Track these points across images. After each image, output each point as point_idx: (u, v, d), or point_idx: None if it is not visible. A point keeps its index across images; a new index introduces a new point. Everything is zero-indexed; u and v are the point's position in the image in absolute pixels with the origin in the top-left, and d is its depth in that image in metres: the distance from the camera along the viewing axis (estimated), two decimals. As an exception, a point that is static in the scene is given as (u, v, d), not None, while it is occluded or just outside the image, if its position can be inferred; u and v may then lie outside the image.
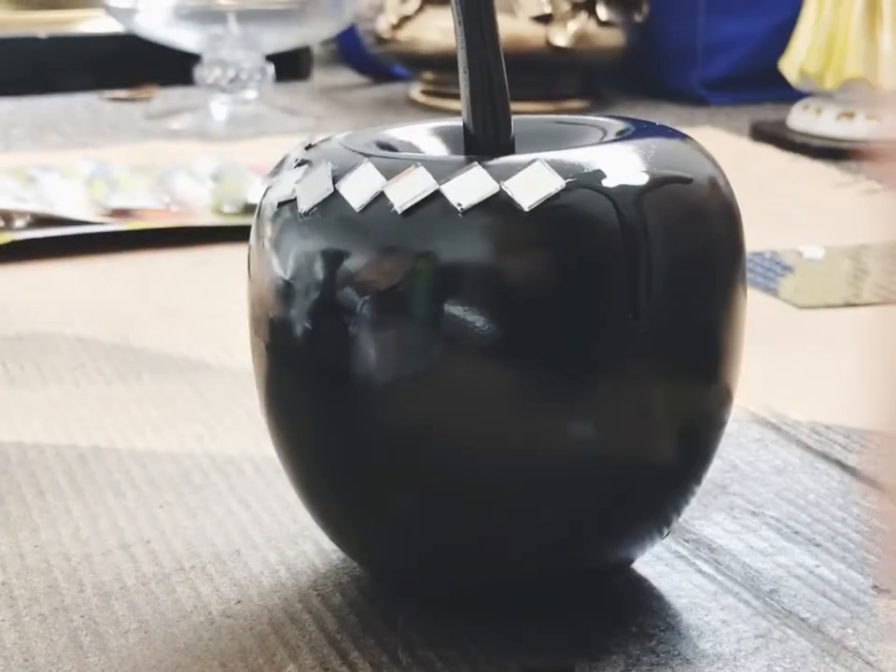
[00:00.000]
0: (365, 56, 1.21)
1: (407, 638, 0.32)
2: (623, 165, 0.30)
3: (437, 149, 0.34)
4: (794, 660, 0.31)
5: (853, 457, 0.42)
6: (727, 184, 0.32)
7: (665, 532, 0.33)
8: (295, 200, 0.31)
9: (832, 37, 0.89)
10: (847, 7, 0.88)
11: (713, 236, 0.31)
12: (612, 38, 1.05)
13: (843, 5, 0.88)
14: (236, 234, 0.66)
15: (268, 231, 0.31)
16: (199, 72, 1.04)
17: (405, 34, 1.08)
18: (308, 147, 0.32)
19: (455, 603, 0.33)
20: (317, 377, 0.30)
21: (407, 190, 0.29)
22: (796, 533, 0.37)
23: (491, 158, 0.30)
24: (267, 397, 0.32)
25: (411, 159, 0.31)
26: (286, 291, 0.30)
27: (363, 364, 0.29)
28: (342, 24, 1.07)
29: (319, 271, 0.30)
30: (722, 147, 0.78)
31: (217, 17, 1.02)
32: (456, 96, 0.32)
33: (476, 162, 0.29)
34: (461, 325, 0.29)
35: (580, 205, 0.29)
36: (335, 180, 0.30)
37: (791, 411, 0.46)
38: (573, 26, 1.04)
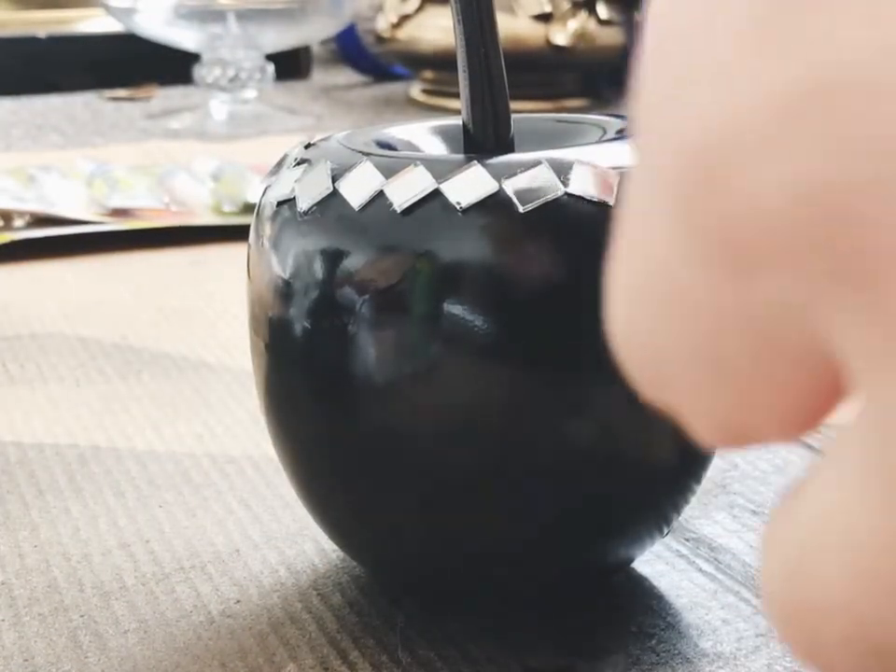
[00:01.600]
0: (365, 55, 1.21)
1: (407, 638, 0.32)
2: (623, 163, 0.30)
3: (436, 148, 0.34)
4: (794, 658, 0.31)
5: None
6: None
7: (665, 531, 0.33)
8: (294, 199, 0.31)
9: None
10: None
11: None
12: (613, 37, 1.05)
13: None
14: (236, 234, 0.66)
15: (267, 230, 0.31)
16: (198, 71, 1.04)
17: (405, 33, 1.08)
18: (307, 146, 0.32)
19: (456, 603, 0.33)
20: (316, 376, 0.30)
21: (406, 189, 0.29)
22: (797, 532, 0.37)
23: (490, 156, 0.30)
24: (266, 396, 0.32)
25: (410, 158, 0.31)
26: (285, 291, 0.30)
27: (362, 363, 0.29)
28: (341, 23, 1.07)
29: (318, 270, 0.30)
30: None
31: (216, 16, 1.02)
32: (457, 95, 0.32)
33: (475, 161, 0.29)
34: (461, 324, 0.29)
35: (579, 204, 0.29)
36: (334, 179, 0.30)
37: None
38: (573, 25, 1.04)
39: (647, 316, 0.15)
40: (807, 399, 0.14)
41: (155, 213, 0.71)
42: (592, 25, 1.04)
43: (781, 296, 0.13)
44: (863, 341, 0.12)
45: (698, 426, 0.15)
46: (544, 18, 1.04)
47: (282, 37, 1.05)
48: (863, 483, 0.12)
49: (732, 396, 0.14)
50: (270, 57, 1.05)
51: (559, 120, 0.35)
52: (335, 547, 0.35)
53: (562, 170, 0.29)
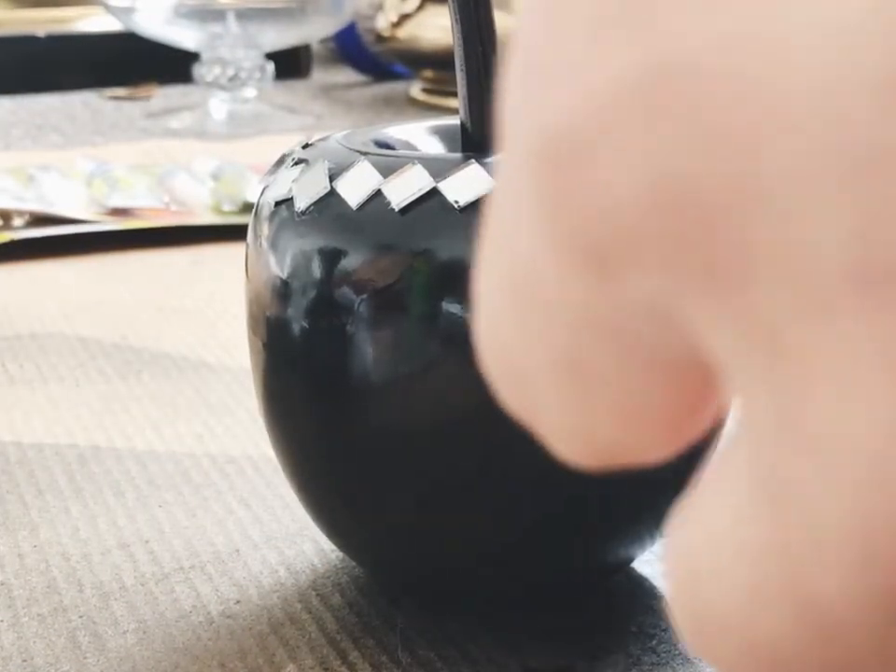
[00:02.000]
0: (365, 54, 1.21)
1: (407, 638, 0.32)
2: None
3: (435, 148, 0.34)
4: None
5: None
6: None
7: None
8: (292, 199, 0.31)
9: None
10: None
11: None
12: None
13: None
14: (236, 233, 0.66)
15: (265, 230, 0.31)
16: (198, 70, 1.04)
17: (405, 31, 1.08)
18: (305, 146, 0.32)
19: (455, 603, 0.33)
20: (315, 375, 0.30)
21: (404, 188, 0.29)
22: (797, 531, 0.37)
23: (489, 155, 0.30)
24: (265, 395, 0.32)
25: (408, 156, 0.30)
26: (283, 290, 0.30)
27: (360, 362, 0.29)
28: (341, 22, 1.07)
29: (316, 269, 0.30)
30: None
31: (216, 15, 1.02)
32: (457, 94, 0.32)
33: (473, 160, 0.29)
34: (459, 323, 0.28)
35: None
36: (332, 178, 0.30)
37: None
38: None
39: (510, 322, 0.13)
40: (680, 412, 0.13)
41: (155, 212, 0.71)
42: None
43: (649, 297, 0.12)
44: (736, 343, 0.11)
45: (564, 445, 0.14)
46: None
47: (282, 36, 1.05)
48: (750, 493, 0.12)
49: (600, 411, 0.13)
50: (269, 56, 1.05)
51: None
52: (334, 547, 0.35)
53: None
